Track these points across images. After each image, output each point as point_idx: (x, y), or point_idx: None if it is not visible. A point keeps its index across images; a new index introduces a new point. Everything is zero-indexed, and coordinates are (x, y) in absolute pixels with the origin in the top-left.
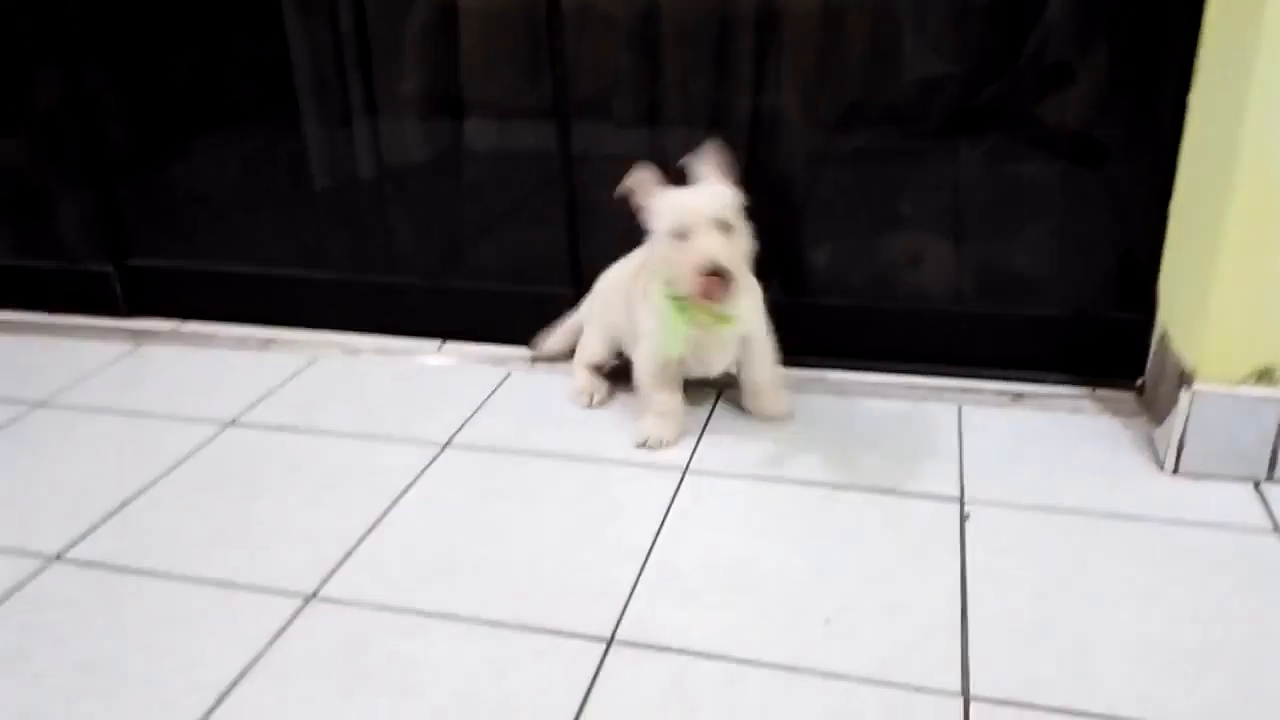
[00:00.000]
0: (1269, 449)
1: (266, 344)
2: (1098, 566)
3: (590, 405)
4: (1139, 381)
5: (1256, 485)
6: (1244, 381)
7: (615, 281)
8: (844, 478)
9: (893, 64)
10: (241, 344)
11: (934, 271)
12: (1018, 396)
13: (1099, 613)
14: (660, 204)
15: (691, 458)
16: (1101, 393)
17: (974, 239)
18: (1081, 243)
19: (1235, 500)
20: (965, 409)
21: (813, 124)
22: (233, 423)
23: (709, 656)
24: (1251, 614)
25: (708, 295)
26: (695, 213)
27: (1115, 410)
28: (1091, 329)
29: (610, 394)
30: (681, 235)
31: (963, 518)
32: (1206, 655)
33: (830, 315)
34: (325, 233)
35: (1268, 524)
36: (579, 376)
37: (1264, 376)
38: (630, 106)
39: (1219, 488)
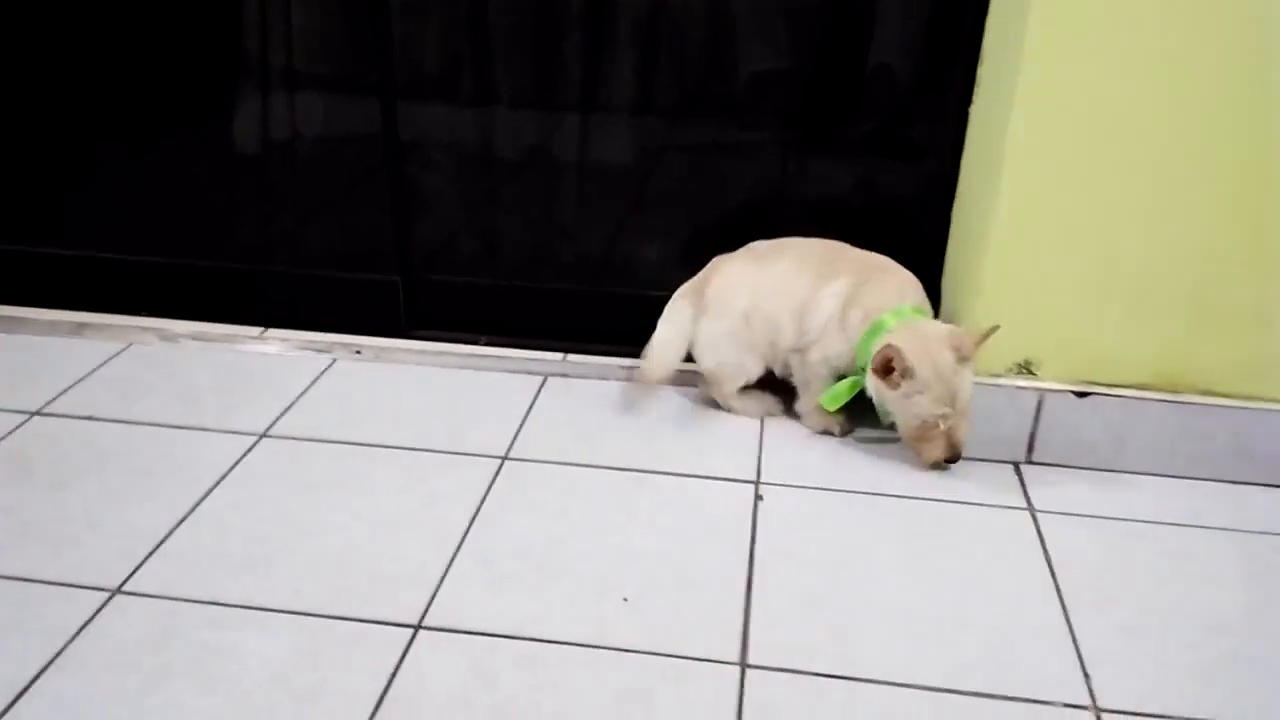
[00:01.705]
0: (1027, 434)
1: (79, 329)
2: (873, 543)
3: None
4: None
5: (1016, 467)
6: (1007, 373)
7: (777, 286)
8: (653, 463)
9: (722, 58)
10: (52, 329)
11: None
12: None
13: (870, 585)
14: (929, 382)
15: (511, 445)
16: None
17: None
18: (885, 242)
19: (997, 480)
20: None
21: (645, 113)
22: (39, 412)
23: (513, 638)
24: (1000, 585)
25: (928, 459)
26: (961, 405)
27: None
28: None
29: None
30: (942, 417)
31: (757, 499)
32: (958, 624)
33: (656, 306)
34: (142, 214)
35: (1022, 502)
36: (756, 403)
37: (1024, 369)
38: (460, 90)
39: (984, 469)
